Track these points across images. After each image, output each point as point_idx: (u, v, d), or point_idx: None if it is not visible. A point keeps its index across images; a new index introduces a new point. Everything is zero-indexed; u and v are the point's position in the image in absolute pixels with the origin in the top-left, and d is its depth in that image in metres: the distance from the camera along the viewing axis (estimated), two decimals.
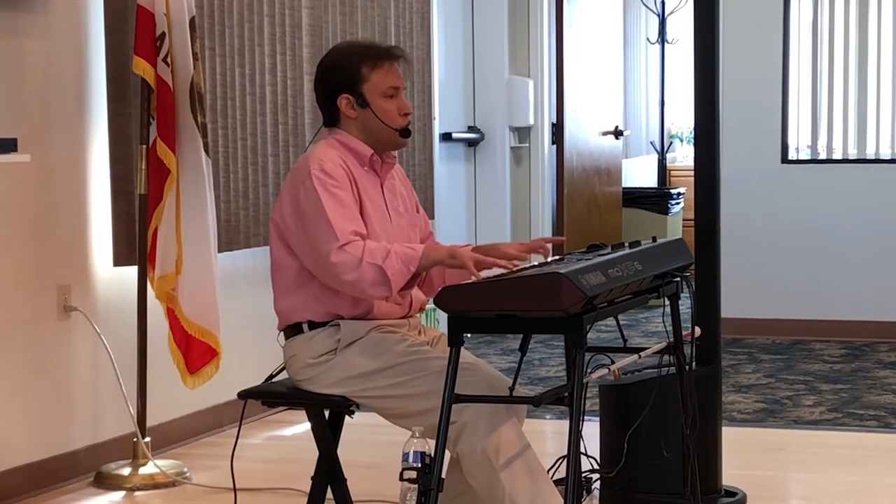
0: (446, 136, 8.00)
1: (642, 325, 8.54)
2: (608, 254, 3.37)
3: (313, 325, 3.49)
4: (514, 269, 3.26)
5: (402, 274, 3.31)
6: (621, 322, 3.71)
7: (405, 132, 3.57)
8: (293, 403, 3.69)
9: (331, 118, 3.58)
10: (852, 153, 8.15)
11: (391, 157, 3.64)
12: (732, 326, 7.54)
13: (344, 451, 3.65)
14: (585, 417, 3.30)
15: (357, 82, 3.52)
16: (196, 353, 4.83)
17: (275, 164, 5.72)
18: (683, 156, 11.80)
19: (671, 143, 11.50)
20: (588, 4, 8.81)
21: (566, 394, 3.09)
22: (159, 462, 4.82)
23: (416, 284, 3.43)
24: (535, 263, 3.39)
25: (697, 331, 3.78)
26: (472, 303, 3.09)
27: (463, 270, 3.33)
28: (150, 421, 4.90)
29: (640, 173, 11.02)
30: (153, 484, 4.72)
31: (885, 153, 8.09)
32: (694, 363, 3.73)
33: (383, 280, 3.30)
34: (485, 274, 3.28)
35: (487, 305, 3.08)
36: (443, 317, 3.20)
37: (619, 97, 9.62)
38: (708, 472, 4.25)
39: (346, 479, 3.64)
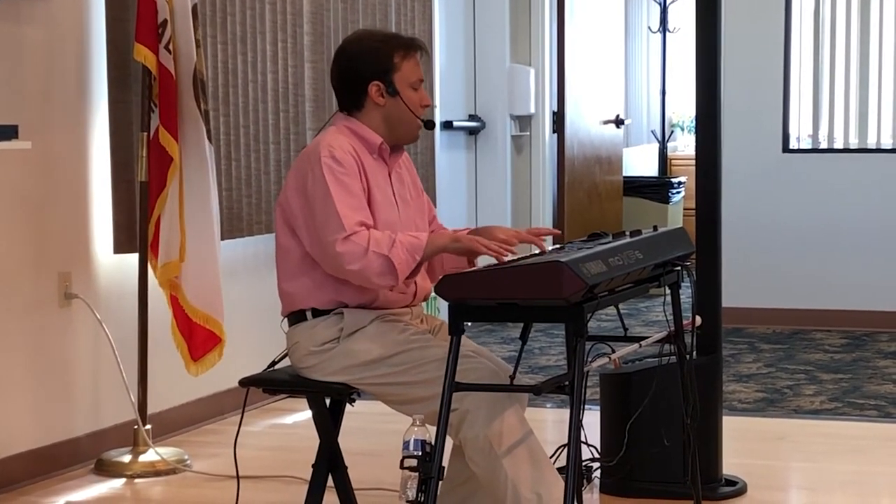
0: (447, 125, 8.00)
1: (643, 315, 8.54)
2: (609, 242, 3.37)
3: (317, 313, 3.48)
4: (506, 258, 3.26)
5: (408, 263, 3.32)
6: (622, 311, 3.71)
7: (429, 124, 3.57)
8: (294, 391, 3.69)
9: (354, 104, 3.55)
10: (853, 143, 8.14)
11: (400, 147, 3.64)
12: (733, 316, 7.54)
13: (345, 439, 3.65)
14: (586, 406, 3.30)
15: (389, 70, 3.51)
16: (199, 340, 4.83)
17: (276, 152, 5.72)
18: (684, 145, 11.80)
19: (672, 131, 11.49)
20: None
21: (567, 382, 3.09)
22: (160, 449, 4.83)
23: (420, 272, 3.44)
24: (537, 252, 3.39)
25: (698, 320, 3.78)
26: (473, 291, 3.08)
27: (460, 257, 3.38)
28: (151, 408, 4.91)
29: (640, 162, 11.01)
30: (154, 471, 4.73)
31: (887, 143, 8.07)
32: (694, 352, 3.73)
33: (389, 270, 3.30)
34: (484, 262, 3.29)
35: (488, 294, 3.07)
36: (444, 305, 3.20)
37: (620, 86, 9.61)
38: (708, 461, 4.26)
39: (346, 467, 3.64)
